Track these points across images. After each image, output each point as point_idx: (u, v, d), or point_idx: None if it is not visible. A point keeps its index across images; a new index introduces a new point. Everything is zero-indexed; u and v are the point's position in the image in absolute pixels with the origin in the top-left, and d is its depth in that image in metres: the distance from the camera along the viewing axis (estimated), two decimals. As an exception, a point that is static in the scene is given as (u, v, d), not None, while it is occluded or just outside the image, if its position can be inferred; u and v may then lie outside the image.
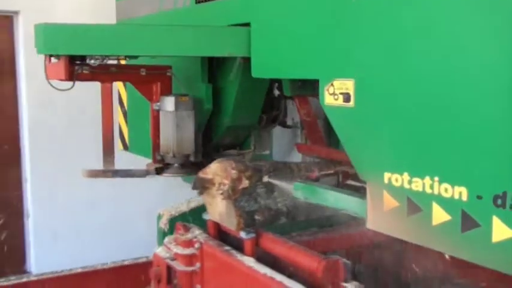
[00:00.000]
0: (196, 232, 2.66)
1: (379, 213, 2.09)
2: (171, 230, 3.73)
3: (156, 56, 2.82)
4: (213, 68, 3.19)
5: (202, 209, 3.78)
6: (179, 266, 2.62)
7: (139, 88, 3.01)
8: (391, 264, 2.63)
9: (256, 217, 2.67)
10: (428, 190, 1.88)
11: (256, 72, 2.67)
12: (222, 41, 2.67)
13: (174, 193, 4.22)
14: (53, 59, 2.64)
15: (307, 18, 2.35)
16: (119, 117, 4.24)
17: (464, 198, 1.77)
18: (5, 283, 3.37)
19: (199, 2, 3.04)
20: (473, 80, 1.72)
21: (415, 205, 1.94)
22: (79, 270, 3.60)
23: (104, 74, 2.82)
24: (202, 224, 3.80)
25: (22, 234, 5.88)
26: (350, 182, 2.80)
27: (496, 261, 1.71)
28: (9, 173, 5.65)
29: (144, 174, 2.91)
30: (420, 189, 1.91)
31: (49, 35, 2.52)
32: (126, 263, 3.74)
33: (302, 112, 3.28)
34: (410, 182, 1.94)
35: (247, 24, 2.69)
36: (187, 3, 3.15)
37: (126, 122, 4.17)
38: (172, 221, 3.73)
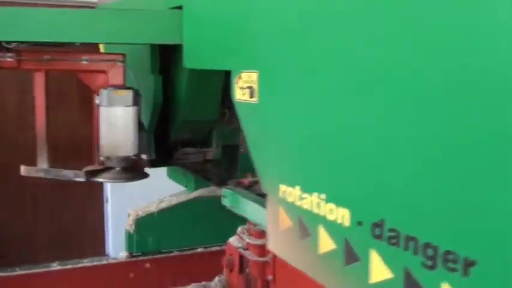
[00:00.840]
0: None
1: (276, 232, 1.75)
2: (138, 231, 3.50)
3: (80, 43, 2.54)
4: (167, 57, 2.90)
5: (172, 210, 3.54)
6: (252, 256, 2.41)
7: (86, 79, 2.74)
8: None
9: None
10: (315, 210, 1.52)
11: (188, 62, 2.36)
12: (148, 26, 2.36)
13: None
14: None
15: (221, 3, 2.03)
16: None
17: (347, 223, 1.40)
18: (89, 264, 3.55)
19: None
20: (363, 91, 1.34)
21: (305, 227, 1.58)
22: (157, 256, 3.58)
23: (35, 62, 2.57)
24: (171, 227, 3.55)
25: (102, 218, 6.28)
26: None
27: (373, 308, 1.33)
28: (91, 161, 5.81)
29: (73, 176, 2.63)
30: (309, 208, 1.55)
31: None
32: (198, 250, 3.66)
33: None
34: (301, 199, 1.58)
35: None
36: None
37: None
38: (139, 222, 3.50)
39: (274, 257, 2.39)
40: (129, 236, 3.46)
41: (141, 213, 3.47)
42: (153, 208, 3.50)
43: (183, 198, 3.54)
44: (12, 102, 5.87)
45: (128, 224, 3.44)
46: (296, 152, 1.61)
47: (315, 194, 1.51)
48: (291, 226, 1.64)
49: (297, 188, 1.59)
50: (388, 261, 1.27)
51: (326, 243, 1.48)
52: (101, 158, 2.65)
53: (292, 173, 1.63)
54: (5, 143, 5.84)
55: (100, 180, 2.61)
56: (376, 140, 1.29)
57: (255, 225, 2.45)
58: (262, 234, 2.44)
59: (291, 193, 1.62)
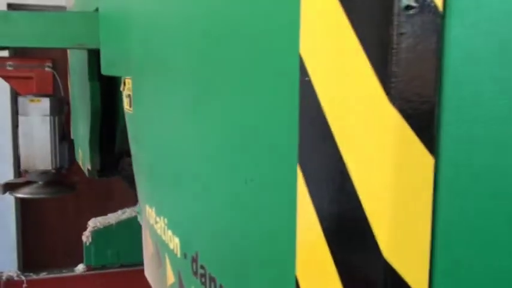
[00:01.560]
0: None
1: (146, 257, 1.57)
2: (95, 243, 3.37)
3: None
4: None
5: (132, 221, 3.38)
6: None
7: (15, 86, 2.62)
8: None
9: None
10: (163, 236, 1.33)
11: (104, 69, 2.20)
12: (64, 29, 2.20)
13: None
14: None
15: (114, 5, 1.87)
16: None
17: (178, 254, 1.21)
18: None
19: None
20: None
21: (159, 255, 1.39)
22: (115, 270, 3.53)
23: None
24: (131, 239, 3.40)
25: (144, 220, 6.39)
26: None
27: None
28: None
29: None
30: (160, 233, 1.36)
31: None
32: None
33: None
34: (156, 222, 1.40)
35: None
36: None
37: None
38: (97, 234, 3.36)
39: None
40: (87, 249, 3.33)
41: (99, 225, 3.33)
42: (113, 220, 3.36)
43: (146, 208, 3.39)
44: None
45: (85, 236, 3.31)
46: (151, 171, 1.43)
47: (162, 218, 1.33)
48: (153, 252, 1.46)
49: (154, 209, 1.41)
50: (202, 303, 1.07)
51: (169, 274, 1.30)
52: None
53: (150, 193, 1.45)
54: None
55: (18, 195, 2.46)
56: (190, 162, 1.10)
57: None
58: None
59: (151, 215, 1.44)
